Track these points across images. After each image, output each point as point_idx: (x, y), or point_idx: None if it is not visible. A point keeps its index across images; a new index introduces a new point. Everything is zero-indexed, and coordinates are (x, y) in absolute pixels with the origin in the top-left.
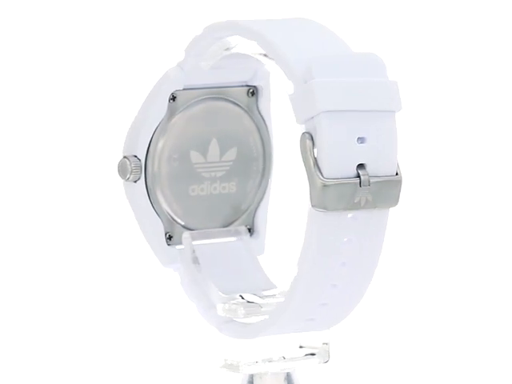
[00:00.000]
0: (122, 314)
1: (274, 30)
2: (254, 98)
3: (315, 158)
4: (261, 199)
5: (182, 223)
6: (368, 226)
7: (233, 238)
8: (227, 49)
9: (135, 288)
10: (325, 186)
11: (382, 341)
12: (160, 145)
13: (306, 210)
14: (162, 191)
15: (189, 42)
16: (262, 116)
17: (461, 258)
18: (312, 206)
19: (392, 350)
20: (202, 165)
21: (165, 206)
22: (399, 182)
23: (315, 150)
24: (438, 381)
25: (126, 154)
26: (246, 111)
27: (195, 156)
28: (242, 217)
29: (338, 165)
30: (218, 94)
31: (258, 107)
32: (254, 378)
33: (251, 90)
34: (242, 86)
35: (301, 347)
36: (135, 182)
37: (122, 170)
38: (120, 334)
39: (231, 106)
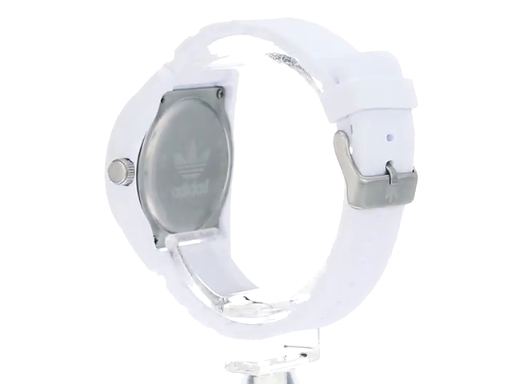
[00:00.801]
0: (112, 318)
1: (289, 31)
2: (222, 99)
3: (351, 156)
4: (225, 200)
5: (165, 226)
6: (388, 223)
7: (208, 240)
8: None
9: (120, 292)
10: (363, 183)
11: (382, 341)
12: (149, 147)
13: (339, 208)
14: (150, 194)
15: (182, 42)
16: (227, 117)
17: (461, 255)
18: (349, 203)
19: (392, 350)
20: (183, 166)
21: (152, 210)
22: (416, 179)
23: (351, 149)
24: (438, 381)
25: (118, 157)
26: (215, 112)
27: (178, 158)
28: (209, 218)
29: (373, 162)
30: (193, 95)
31: (224, 108)
32: (255, 378)
33: (220, 91)
34: (213, 87)
35: (285, 346)
36: (127, 185)
37: (116, 174)
38: (115, 337)
39: (203, 107)
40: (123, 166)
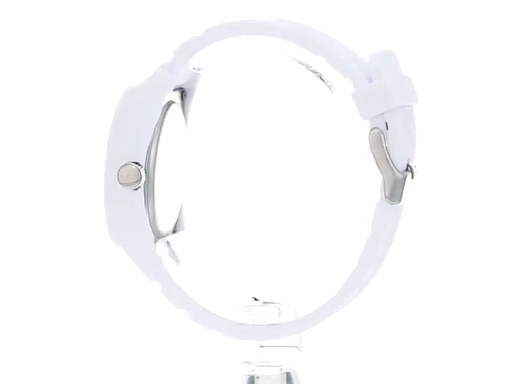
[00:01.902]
0: (112, 318)
1: (306, 31)
2: (184, 101)
3: (388, 152)
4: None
5: (157, 230)
6: (400, 218)
7: (185, 241)
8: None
9: (118, 297)
10: (400, 179)
11: (382, 341)
12: (153, 150)
13: (372, 203)
14: (152, 198)
15: (185, 43)
16: (185, 117)
17: (461, 253)
18: (386, 197)
19: (391, 351)
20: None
21: (151, 214)
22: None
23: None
24: (437, 380)
25: (127, 161)
26: (183, 113)
27: (170, 160)
28: (178, 219)
29: (404, 158)
30: (172, 97)
31: (184, 109)
32: (255, 378)
33: (184, 93)
34: (178, 88)
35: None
36: (136, 189)
37: (129, 178)
38: (116, 337)
39: (178, 108)
40: (137, 170)
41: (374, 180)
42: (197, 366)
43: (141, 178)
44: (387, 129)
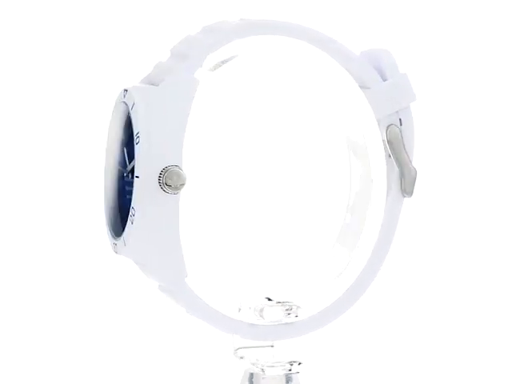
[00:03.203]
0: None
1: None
2: None
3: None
4: None
5: None
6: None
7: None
8: None
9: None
10: (415, 173)
11: (381, 341)
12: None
13: (387, 197)
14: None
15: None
16: None
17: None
18: (405, 193)
19: (391, 351)
20: None
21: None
22: None
23: None
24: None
25: (170, 163)
26: None
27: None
28: None
29: (413, 153)
30: None
31: None
32: (255, 378)
33: None
34: None
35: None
36: (175, 193)
37: (179, 180)
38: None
39: None
40: (183, 173)
41: (380, 175)
42: (196, 365)
43: (184, 181)
44: (401, 125)
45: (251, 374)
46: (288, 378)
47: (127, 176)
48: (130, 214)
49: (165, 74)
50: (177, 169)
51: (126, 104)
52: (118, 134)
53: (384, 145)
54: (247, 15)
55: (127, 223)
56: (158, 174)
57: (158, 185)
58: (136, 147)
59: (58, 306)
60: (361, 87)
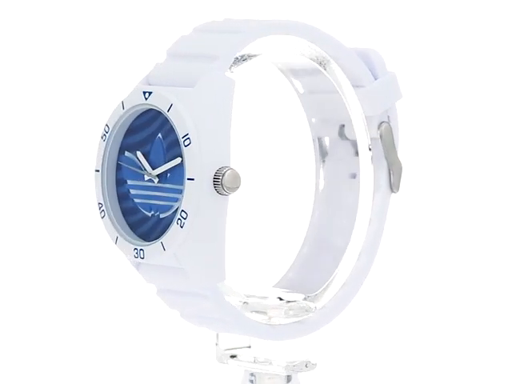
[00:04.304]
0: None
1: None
2: None
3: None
4: None
5: None
6: None
7: None
8: None
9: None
10: (402, 168)
11: (381, 341)
12: None
13: (379, 193)
14: None
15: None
16: None
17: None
18: (394, 189)
19: (392, 351)
20: None
21: None
22: None
23: None
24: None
25: (223, 165)
26: None
27: None
28: None
29: None
30: None
31: None
32: (256, 378)
33: None
34: None
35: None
36: (227, 195)
37: (236, 182)
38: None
39: None
40: (239, 174)
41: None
42: (196, 365)
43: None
44: (389, 122)
45: (251, 374)
46: (288, 378)
47: (150, 180)
48: (179, 217)
49: (191, 74)
50: (234, 170)
51: (153, 106)
52: (118, 137)
53: (372, 142)
54: (231, 15)
55: (172, 227)
56: (213, 176)
57: (212, 187)
58: (185, 149)
59: (58, 307)
60: (354, 86)
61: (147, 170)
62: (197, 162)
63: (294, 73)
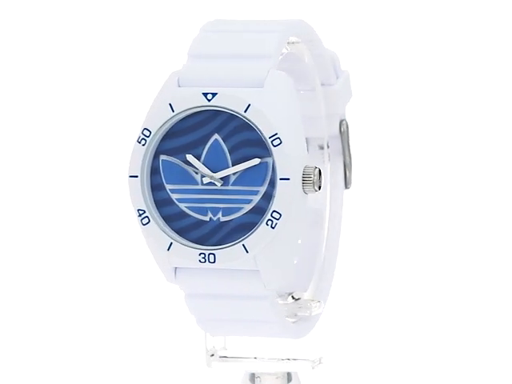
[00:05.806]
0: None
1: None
2: None
3: None
4: None
5: None
6: None
7: None
8: None
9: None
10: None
11: (381, 341)
12: None
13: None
14: None
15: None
16: None
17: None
18: (349, 186)
19: (392, 351)
20: None
21: None
22: None
23: None
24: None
25: (309, 164)
26: None
27: None
28: None
29: None
30: None
31: None
32: (256, 378)
33: None
34: None
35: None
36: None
37: (321, 180)
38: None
39: None
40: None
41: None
42: (196, 365)
43: None
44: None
45: (252, 374)
46: (289, 377)
47: (210, 183)
48: (269, 218)
49: (248, 74)
50: (319, 168)
51: (221, 107)
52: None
53: (328, 140)
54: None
55: (259, 229)
56: (302, 175)
57: (301, 186)
58: (275, 149)
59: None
60: (322, 84)
61: (207, 174)
62: (290, 161)
63: None
